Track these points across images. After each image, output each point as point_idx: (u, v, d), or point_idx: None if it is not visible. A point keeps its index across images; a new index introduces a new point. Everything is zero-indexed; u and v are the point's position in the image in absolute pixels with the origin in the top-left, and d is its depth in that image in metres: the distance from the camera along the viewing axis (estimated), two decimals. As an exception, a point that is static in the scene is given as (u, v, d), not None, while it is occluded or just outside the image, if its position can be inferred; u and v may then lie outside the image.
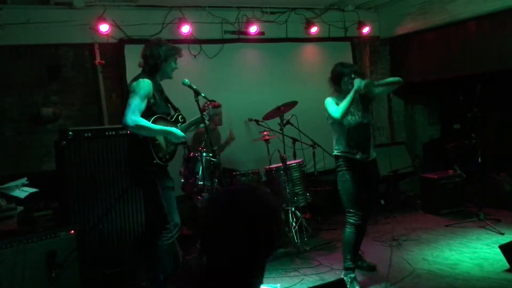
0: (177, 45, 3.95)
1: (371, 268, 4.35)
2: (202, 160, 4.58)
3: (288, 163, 5.26)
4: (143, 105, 3.63)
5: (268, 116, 5.57)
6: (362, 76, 4.04)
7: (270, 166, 5.51)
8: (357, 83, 3.85)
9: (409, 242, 5.06)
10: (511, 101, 6.44)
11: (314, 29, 6.89)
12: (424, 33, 6.94)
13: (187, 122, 4.07)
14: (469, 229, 5.30)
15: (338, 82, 4.02)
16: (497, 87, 6.14)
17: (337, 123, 3.96)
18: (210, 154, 4.67)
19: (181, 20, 6.01)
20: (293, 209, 5.19)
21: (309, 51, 7.12)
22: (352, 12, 7.23)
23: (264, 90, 6.53)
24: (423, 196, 6.50)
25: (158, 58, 3.79)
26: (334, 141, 4.10)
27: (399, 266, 4.36)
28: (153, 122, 3.65)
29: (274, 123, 5.59)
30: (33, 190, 4.16)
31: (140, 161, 3.74)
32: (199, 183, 4.67)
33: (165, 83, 4.00)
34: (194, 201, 5.15)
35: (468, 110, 5.38)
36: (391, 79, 4.26)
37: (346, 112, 3.86)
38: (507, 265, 4.07)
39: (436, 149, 7.48)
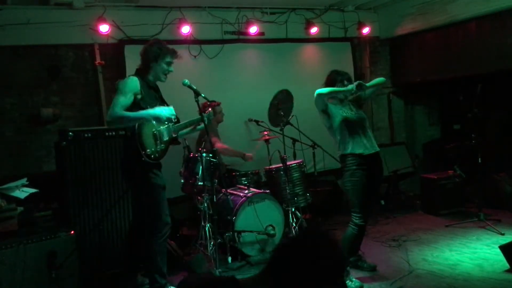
0: (172, 47, 3.94)
1: (371, 269, 4.35)
2: (202, 160, 4.58)
3: (288, 163, 5.26)
4: (127, 101, 3.69)
5: (272, 120, 5.60)
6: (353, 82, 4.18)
7: (270, 167, 5.51)
8: (350, 86, 4.02)
9: (409, 243, 5.05)
10: (511, 102, 6.44)
11: (314, 30, 6.89)
12: (424, 33, 6.94)
13: (182, 122, 4.06)
14: (469, 229, 5.30)
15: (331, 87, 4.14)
16: (497, 88, 6.14)
17: (336, 125, 4.06)
18: (210, 155, 4.67)
19: (181, 21, 6.01)
20: (293, 209, 5.19)
21: (309, 51, 7.12)
22: (352, 12, 7.23)
23: (264, 90, 6.52)
24: (423, 196, 6.49)
25: (148, 57, 3.83)
26: (338, 143, 4.13)
27: (399, 266, 4.35)
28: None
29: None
30: (33, 190, 4.16)
31: (129, 159, 3.79)
32: (199, 183, 4.67)
33: (165, 83, 4.01)
34: (194, 201, 5.15)
35: (468, 110, 5.38)
36: (376, 80, 4.31)
37: (328, 94, 3.99)
38: (507, 266, 4.07)
39: (436, 150, 7.48)
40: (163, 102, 4.00)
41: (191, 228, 5.59)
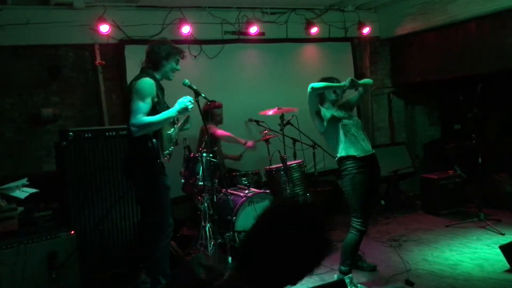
0: (180, 47, 3.94)
1: (372, 269, 4.35)
2: (202, 160, 4.58)
3: (288, 163, 5.26)
4: (147, 106, 3.61)
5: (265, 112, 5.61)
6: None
7: (271, 167, 5.51)
8: (343, 82, 4.04)
9: (409, 243, 5.05)
10: (511, 102, 6.44)
11: (314, 30, 6.89)
12: (424, 33, 6.94)
13: (180, 124, 4.06)
14: (469, 229, 5.30)
15: (320, 94, 4.13)
16: (498, 88, 6.14)
17: (329, 129, 4.03)
18: (211, 155, 4.67)
19: (181, 21, 6.01)
20: (293, 209, 5.18)
21: (309, 51, 7.12)
22: (352, 12, 7.23)
23: (264, 90, 6.53)
24: (423, 196, 6.49)
25: (160, 55, 3.79)
26: (334, 146, 4.08)
27: (399, 266, 4.35)
28: None
29: (274, 123, 5.59)
30: (33, 190, 4.16)
31: (143, 161, 3.70)
32: (200, 183, 4.67)
33: (165, 83, 4.00)
34: (195, 201, 5.15)
35: (469, 110, 5.38)
36: (366, 80, 4.34)
37: (322, 88, 3.98)
38: (507, 266, 4.07)
39: (437, 150, 7.48)
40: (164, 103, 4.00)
41: (191, 228, 5.59)
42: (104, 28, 5.57)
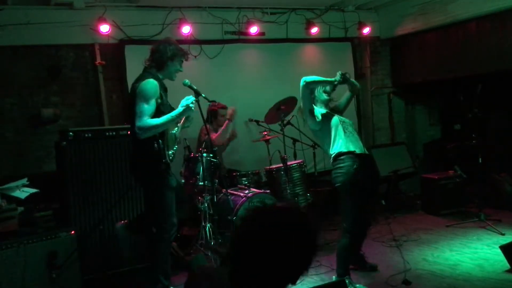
0: (184, 49, 3.96)
1: (373, 269, 4.35)
2: (202, 160, 4.58)
3: (288, 163, 5.26)
4: (151, 108, 3.61)
5: (269, 119, 5.57)
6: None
7: (271, 167, 5.51)
8: (333, 78, 4.04)
9: (410, 243, 5.06)
10: (511, 102, 6.44)
11: (314, 30, 6.88)
12: (425, 33, 6.93)
13: (182, 123, 4.07)
14: (469, 229, 5.30)
15: (312, 92, 4.15)
16: (498, 88, 6.14)
17: (325, 127, 3.98)
18: (211, 155, 4.67)
19: (182, 21, 6.01)
20: (293, 209, 5.18)
21: (310, 51, 7.12)
22: (353, 12, 7.23)
23: (265, 90, 6.53)
24: (423, 196, 6.49)
25: (165, 55, 3.78)
26: (332, 143, 3.97)
27: (400, 266, 4.35)
28: None
29: (274, 123, 5.58)
30: (33, 190, 4.17)
31: (149, 161, 3.69)
32: (200, 183, 4.67)
33: (165, 83, 4.01)
34: (195, 201, 5.14)
35: (469, 110, 5.38)
36: (354, 81, 4.32)
37: (314, 82, 3.98)
38: (507, 266, 4.07)
39: (437, 150, 7.48)
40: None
41: (191, 228, 5.59)
42: (104, 28, 5.57)
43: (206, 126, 4.51)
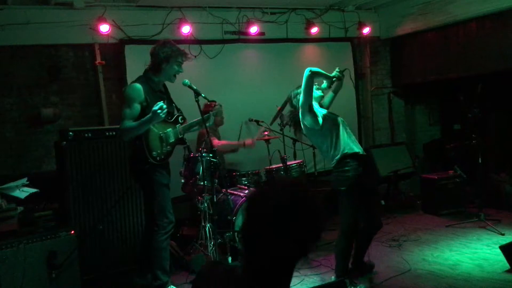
0: (183, 49, 3.96)
1: (370, 268, 4.34)
2: (202, 160, 4.58)
3: (288, 163, 5.26)
4: (134, 111, 3.73)
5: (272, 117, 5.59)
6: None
7: (271, 167, 5.50)
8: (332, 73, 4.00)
9: (409, 243, 5.06)
10: (511, 102, 6.44)
11: (314, 30, 6.88)
12: (425, 33, 6.93)
13: (187, 123, 4.08)
14: (469, 229, 5.30)
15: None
16: (498, 88, 6.14)
17: (326, 126, 3.88)
18: (211, 155, 4.67)
19: (182, 21, 6.00)
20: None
21: (310, 51, 7.11)
22: (353, 12, 7.22)
23: (265, 90, 6.53)
24: (423, 196, 6.49)
25: (159, 58, 3.80)
26: (334, 144, 3.88)
27: (399, 266, 4.35)
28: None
29: (274, 123, 5.58)
30: (33, 190, 4.16)
31: (134, 160, 3.92)
32: (200, 183, 4.67)
33: (166, 83, 4.01)
34: (195, 201, 5.14)
35: (469, 110, 5.38)
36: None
37: (317, 73, 3.88)
38: (507, 266, 4.07)
39: (437, 150, 7.48)
40: (171, 103, 4.01)
41: (191, 228, 5.59)
42: (104, 28, 5.57)
43: (206, 128, 4.49)
